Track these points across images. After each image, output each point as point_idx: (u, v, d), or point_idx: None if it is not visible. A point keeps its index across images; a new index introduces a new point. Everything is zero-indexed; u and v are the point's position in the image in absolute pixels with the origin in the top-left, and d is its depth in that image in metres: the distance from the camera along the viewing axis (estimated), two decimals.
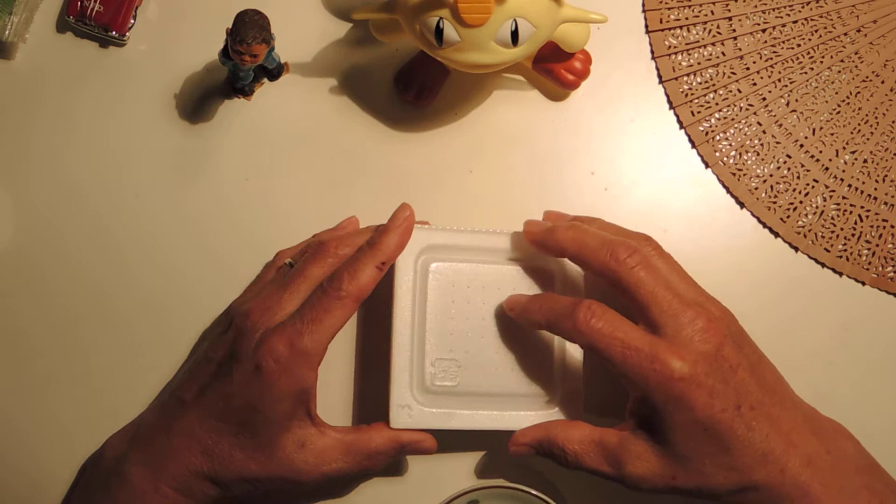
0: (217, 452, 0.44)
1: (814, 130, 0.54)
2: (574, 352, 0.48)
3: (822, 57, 0.54)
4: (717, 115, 0.54)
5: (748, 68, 0.54)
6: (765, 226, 0.53)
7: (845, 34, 0.55)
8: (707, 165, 0.54)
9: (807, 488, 0.42)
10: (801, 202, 0.53)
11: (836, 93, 0.54)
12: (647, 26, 0.55)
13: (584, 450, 0.44)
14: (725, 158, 0.54)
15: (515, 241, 0.48)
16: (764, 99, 0.54)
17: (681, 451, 0.42)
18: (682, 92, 0.54)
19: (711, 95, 0.54)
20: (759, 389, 0.43)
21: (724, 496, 0.43)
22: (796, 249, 0.53)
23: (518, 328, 0.48)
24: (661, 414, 0.42)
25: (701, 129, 0.54)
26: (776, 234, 0.53)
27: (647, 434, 0.43)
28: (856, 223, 0.53)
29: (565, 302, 0.44)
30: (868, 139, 0.54)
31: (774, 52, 0.55)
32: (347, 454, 0.45)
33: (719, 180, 0.54)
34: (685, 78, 0.54)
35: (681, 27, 0.55)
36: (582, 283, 0.48)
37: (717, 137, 0.54)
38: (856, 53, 0.55)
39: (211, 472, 0.44)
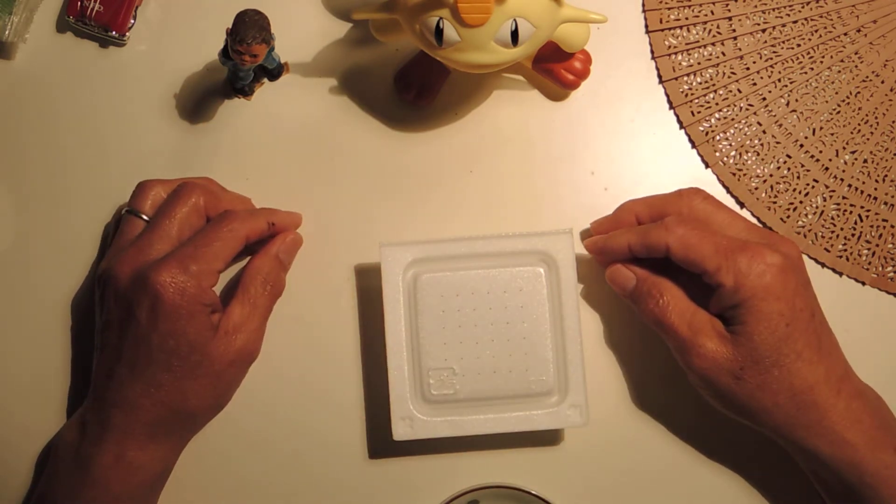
0: (164, 395, 0.45)
1: (814, 130, 0.54)
2: (573, 345, 0.48)
3: (822, 57, 0.54)
4: (717, 115, 0.54)
5: (748, 68, 0.54)
6: (765, 226, 0.53)
7: (845, 34, 0.55)
8: (707, 165, 0.54)
9: (857, 415, 0.44)
10: (801, 202, 0.53)
11: (836, 93, 0.54)
12: (647, 26, 0.55)
13: (676, 304, 0.46)
14: (725, 158, 0.54)
15: (498, 244, 0.48)
16: (764, 99, 0.54)
17: (758, 346, 0.44)
18: (682, 92, 0.54)
19: (711, 95, 0.54)
20: (822, 318, 0.47)
21: (778, 418, 0.45)
22: None
23: (511, 330, 0.48)
24: (749, 303, 0.44)
25: (701, 129, 0.54)
26: None
27: (730, 325, 0.45)
28: (856, 223, 0.53)
29: (648, 220, 0.49)
30: (868, 139, 0.54)
31: (774, 52, 0.54)
32: (254, 303, 0.48)
33: (719, 180, 0.54)
34: (685, 78, 0.54)
35: (681, 27, 0.55)
36: (574, 281, 0.48)
37: (717, 137, 0.54)
38: (856, 53, 0.54)
39: (172, 414, 0.45)
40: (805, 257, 0.52)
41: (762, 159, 0.54)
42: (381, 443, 0.51)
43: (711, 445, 0.51)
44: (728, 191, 0.53)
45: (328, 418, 0.51)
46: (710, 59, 0.54)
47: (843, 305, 0.52)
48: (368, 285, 0.52)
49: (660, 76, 0.55)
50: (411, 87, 0.53)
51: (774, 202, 0.53)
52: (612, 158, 0.54)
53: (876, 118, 0.54)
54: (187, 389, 0.45)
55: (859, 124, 0.54)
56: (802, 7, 0.55)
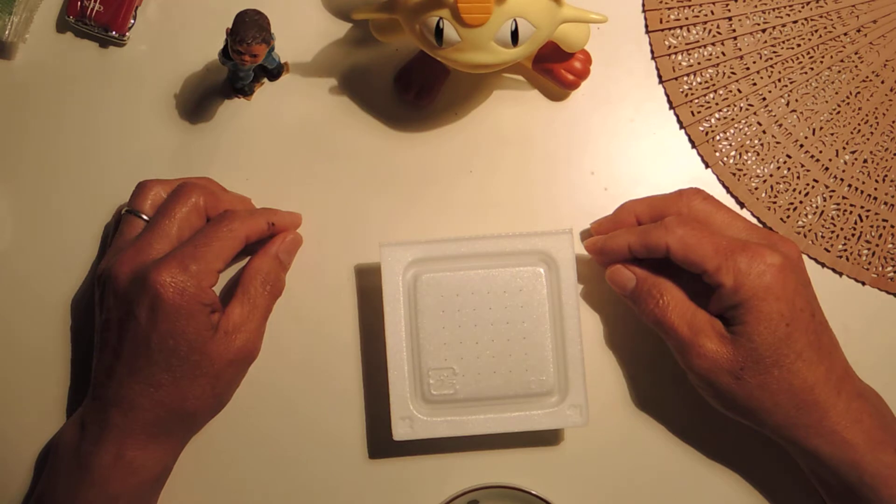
0: (164, 395, 0.45)
1: (814, 130, 0.54)
2: (573, 345, 0.48)
3: (822, 57, 0.54)
4: (717, 115, 0.54)
5: (748, 68, 0.54)
6: (765, 226, 0.53)
7: (845, 34, 0.55)
8: (707, 165, 0.54)
9: (857, 415, 0.44)
10: (801, 202, 0.53)
11: (836, 93, 0.54)
12: (647, 26, 0.55)
13: (676, 304, 0.46)
14: (725, 158, 0.54)
15: (498, 244, 0.48)
16: (764, 99, 0.54)
17: (758, 346, 0.44)
18: (682, 92, 0.54)
19: (711, 95, 0.54)
20: (822, 318, 0.47)
21: (778, 418, 0.45)
22: None
23: (511, 330, 0.48)
24: (749, 303, 0.44)
25: (701, 129, 0.54)
26: None
27: (730, 326, 0.45)
28: (856, 223, 0.53)
29: (648, 220, 0.48)
30: (868, 139, 0.54)
31: (774, 52, 0.54)
32: (254, 302, 0.48)
33: (719, 180, 0.54)
34: (685, 78, 0.54)
35: (681, 27, 0.55)
36: (574, 281, 0.48)
37: (717, 137, 0.54)
38: (856, 53, 0.54)
39: (171, 414, 0.45)
40: (805, 257, 0.52)
41: (762, 159, 0.54)
42: (381, 443, 0.51)
43: (711, 445, 0.51)
44: (728, 191, 0.53)
45: (328, 418, 0.51)
46: (710, 59, 0.54)
47: (843, 305, 0.52)
48: (368, 285, 0.52)
49: (660, 76, 0.55)
50: (411, 87, 0.53)
51: (774, 202, 0.53)
52: (612, 158, 0.54)
53: (876, 118, 0.54)
54: (186, 389, 0.45)
55: (859, 124, 0.54)
56: (802, 7, 0.55)
